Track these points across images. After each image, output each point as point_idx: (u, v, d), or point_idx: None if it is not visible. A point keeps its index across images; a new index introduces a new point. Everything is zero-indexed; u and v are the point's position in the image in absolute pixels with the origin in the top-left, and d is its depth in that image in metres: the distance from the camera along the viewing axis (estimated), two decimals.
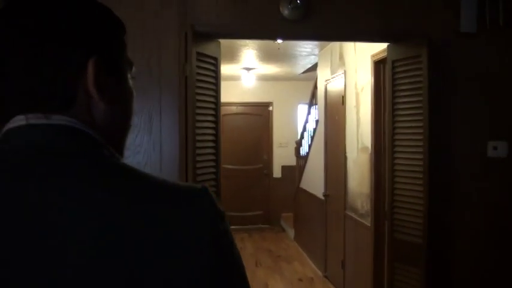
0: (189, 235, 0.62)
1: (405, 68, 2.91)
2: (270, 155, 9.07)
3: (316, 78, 6.36)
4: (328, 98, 5.55)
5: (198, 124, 2.69)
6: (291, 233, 7.76)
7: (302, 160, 7.10)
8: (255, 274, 5.86)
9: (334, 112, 5.19)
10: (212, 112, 2.85)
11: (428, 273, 2.69)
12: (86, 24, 0.67)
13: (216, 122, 2.87)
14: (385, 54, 3.59)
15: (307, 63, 7.09)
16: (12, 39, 0.64)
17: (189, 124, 2.62)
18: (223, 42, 2.98)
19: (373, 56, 3.91)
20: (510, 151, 2.83)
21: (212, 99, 2.85)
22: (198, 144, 2.69)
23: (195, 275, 0.61)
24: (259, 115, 9.06)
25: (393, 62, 2.99)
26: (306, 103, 7.72)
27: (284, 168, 8.94)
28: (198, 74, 2.71)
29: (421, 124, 2.76)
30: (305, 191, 6.64)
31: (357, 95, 4.42)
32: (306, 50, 6.14)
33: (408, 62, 2.88)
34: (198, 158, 2.69)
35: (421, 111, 2.77)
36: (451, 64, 2.85)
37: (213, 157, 2.84)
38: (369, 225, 4.02)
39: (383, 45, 3.60)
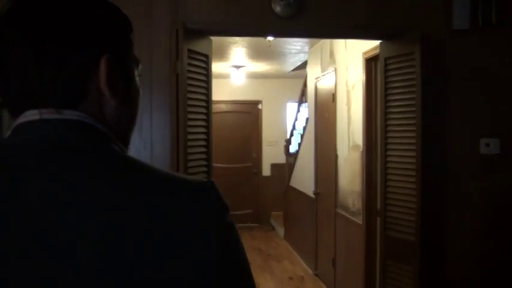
0: (195, 228, 0.62)
1: (398, 66, 2.90)
2: (259, 153, 9.04)
3: (306, 76, 6.35)
4: (318, 95, 5.53)
5: (190, 122, 2.66)
6: (281, 231, 7.75)
7: (292, 158, 7.09)
8: None
9: (325, 110, 5.18)
10: (204, 110, 2.81)
11: (421, 271, 2.69)
12: (98, 22, 0.68)
13: (208, 120, 2.83)
14: (376, 51, 3.58)
15: (296, 61, 7.07)
16: (26, 36, 0.64)
17: (180, 122, 2.58)
18: (213, 39, 2.94)
19: (364, 53, 3.89)
20: (502, 148, 2.83)
21: (203, 97, 2.82)
22: (190, 143, 2.66)
23: (201, 268, 0.61)
24: (249, 113, 9.03)
25: (386, 59, 2.98)
26: (296, 101, 7.71)
27: (273, 167, 8.92)
28: (189, 71, 2.67)
29: (413, 122, 2.76)
30: (295, 189, 6.63)
31: (348, 92, 4.40)
32: (296, 48, 6.12)
33: (401, 59, 2.87)
34: (190, 157, 2.65)
35: (413, 109, 2.76)
36: (444, 61, 2.85)
37: (204, 156, 2.81)
38: (361, 223, 4.01)
39: (374, 43, 3.59)
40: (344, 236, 4.51)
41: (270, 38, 4.83)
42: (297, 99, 7.43)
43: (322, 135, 5.29)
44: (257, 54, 6.55)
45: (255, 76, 8.54)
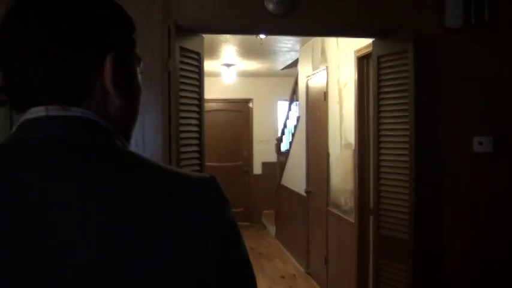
0: (196, 227, 0.63)
1: (391, 64, 2.89)
2: (250, 151, 9.02)
3: (297, 75, 6.33)
4: (310, 94, 5.52)
5: (182, 121, 2.63)
6: (272, 230, 7.74)
7: (283, 157, 7.08)
8: None
9: (316, 108, 5.17)
10: (196, 109, 2.78)
11: (415, 270, 2.68)
12: (103, 21, 0.69)
13: (200, 119, 2.80)
14: (368, 49, 3.58)
15: (287, 59, 7.06)
16: (32, 35, 0.64)
17: (172, 121, 2.55)
18: (204, 37, 2.91)
19: (356, 51, 3.89)
20: (495, 146, 2.83)
21: (196, 96, 2.78)
22: (182, 142, 2.63)
23: (201, 267, 0.62)
24: (239, 112, 9.01)
25: (378, 57, 2.97)
26: (286, 99, 7.70)
27: (264, 165, 8.90)
28: (181, 69, 2.64)
29: (406, 120, 2.75)
30: (286, 188, 6.61)
31: (340, 91, 4.39)
32: (287, 46, 6.10)
33: (394, 57, 2.86)
34: (182, 156, 2.62)
35: (406, 107, 2.75)
36: (436, 60, 2.84)
37: (197, 155, 2.78)
38: (353, 221, 4.01)
39: (366, 41, 3.58)
40: (336, 234, 4.51)
41: (262, 36, 4.81)
42: (288, 97, 7.42)
43: (314, 134, 5.27)
44: (248, 52, 6.52)
45: (245, 74, 8.51)
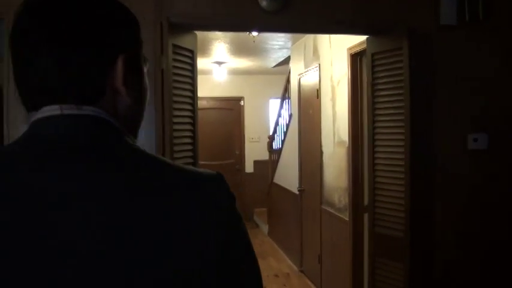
0: (199, 222, 0.64)
1: (385, 61, 2.87)
2: (242, 150, 8.99)
3: (289, 72, 6.30)
4: (302, 92, 5.50)
5: (175, 119, 2.59)
6: (265, 228, 7.72)
7: (275, 155, 7.05)
8: None
9: (309, 106, 5.15)
10: (189, 107, 2.75)
11: (411, 267, 2.67)
12: (115, 23, 0.71)
13: (194, 117, 2.77)
14: (362, 47, 3.56)
15: (279, 56, 7.03)
16: (48, 35, 0.65)
17: (166, 119, 2.51)
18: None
19: (349, 49, 3.87)
20: (490, 143, 2.83)
21: (189, 94, 2.75)
22: (176, 141, 2.59)
23: (205, 263, 0.63)
24: (231, 110, 8.97)
25: (373, 54, 2.95)
26: (278, 97, 7.67)
27: (256, 163, 8.87)
28: (174, 67, 2.60)
29: (402, 117, 2.73)
30: (279, 186, 6.59)
31: (333, 88, 4.38)
32: (279, 43, 6.07)
33: (388, 54, 2.84)
34: (176, 155, 2.58)
35: (401, 104, 2.74)
36: (431, 57, 2.83)
37: (191, 153, 2.74)
38: (347, 219, 3.99)
39: (360, 38, 3.57)
40: (330, 232, 4.49)
41: (255, 34, 4.78)
42: (280, 95, 7.38)
43: (307, 132, 5.25)
44: (239, 50, 6.48)
45: (237, 72, 8.47)
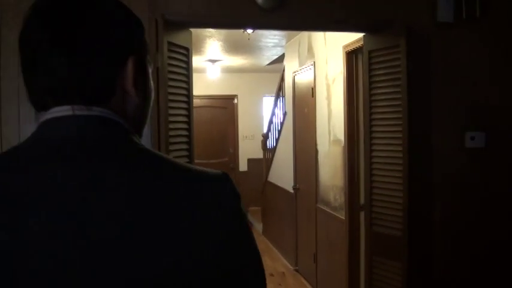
0: (207, 218, 0.65)
1: (382, 59, 2.85)
2: (235, 148, 8.96)
3: (283, 70, 6.27)
4: (297, 90, 5.47)
5: (171, 118, 2.55)
6: (259, 227, 7.69)
7: (269, 153, 7.02)
8: None
9: (303, 104, 5.12)
10: (185, 105, 2.71)
11: (410, 266, 2.66)
12: (125, 25, 0.73)
13: (189, 115, 2.73)
14: (357, 44, 3.54)
15: (273, 54, 7.00)
16: (61, 36, 0.66)
17: (161, 117, 2.47)
18: None
19: (345, 46, 3.84)
20: (487, 141, 2.82)
21: (184, 92, 2.71)
22: (171, 140, 2.55)
23: (212, 259, 0.65)
24: (224, 108, 8.93)
25: (370, 52, 2.93)
26: (271, 95, 7.64)
27: (250, 161, 8.85)
28: (170, 65, 2.56)
29: (399, 116, 2.71)
30: (273, 185, 6.56)
31: (328, 86, 4.35)
32: (273, 41, 6.04)
33: (386, 52, 2.81)
34: (172, 154, 2.54)
35: (399, 102, 2.71)
36: (429, 54, 2.81)
37: (186, 152, 2.70)
38: (343, 218, 3.97)
39: (355, 36, 3.54)
40: (325, 231, 4.47)
41: (249, 31, 4.74)
42: (273, 93, 7.35)
43: (302, 130, 5.23)
44: (233, 48, 6.45)
45: (230, 70, 8.43)
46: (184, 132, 2.70)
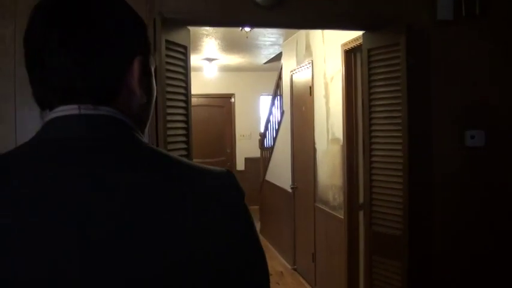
0: (211, 216, 0.65)
1: (382, 57, 2.83)
2: (233, 147, 8.93)
3: (281, 69, 6.25)
4: (295, 88, 5.45)
5: (169, 117, 2.52)
6: (257, 226, 7.64)
7: (267, 152, 7.00)
8: None
9: (301, 103, 5.10)
10: (183, 104, 2.68)
11: (410, 266, 2.64)
12: (132, 25, 0.73)
13: (187, 115, 2.70)
14: (356, 42, 3.52)
15: (270, 53, 6.98)
16: (63, 35, 0.66)
17: (159, 117, 2.44)
18: None
19: (343, 45, 3.82)
20: (487, 140, 2.80)
21: (183, 91, 2.68)
22: (169, 139, 2.52)
23: (216, 256, 0.64)
24: (221, 107, 8.90)
25: (369, 50, 2.91)
26: (269, 94, 7.61)
27: (247, 161, 8.82)
28: (168, 63, 2.53)
29: (399, 114, 2.70)
30: (271, 184, 6.54)
31: (326, 85, 4.33)
32: (270, 40, 6.02)
33: (385, 50, 2.80)
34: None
35: (399, 101, 2.69)
36: (428, 52, 2.79)
37: (184, 152, 2.68)
38: (342, 217, 3.95)
39: (354, 34, 3.53)
40: (324, 230, 4.46)
41: (247, 29, 4.72)
42: (271, 92, 7.32)
43: (299, 129, 5.21)
44: (230, 46, 6.42)
45: (227, 69, 8.41)
46: (183, 132, 2.67)
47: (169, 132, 2.52)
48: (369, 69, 2.91)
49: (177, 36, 2.62)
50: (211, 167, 0.73)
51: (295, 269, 5.47)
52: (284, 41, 5.94)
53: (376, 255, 2.89)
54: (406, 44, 2.64)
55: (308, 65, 4.82)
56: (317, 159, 4.61)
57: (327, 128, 4.31)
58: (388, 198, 2.80)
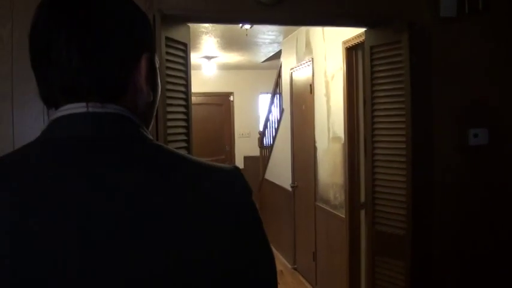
0: (218, 212, 0.65)
1: (384, 54, 2.79)
2: (232, 146, 8.90)
3: (280, 67, 6.21)
4: (295, 86, 5.41)
5: (169, 116, 2.49)
6: None
7: (266, 151, 6.96)
8: None
9: (301, 101, 5.07)
10: (183, 103, 2.65)
11: (413, 266, 2.61)
12: (138, 23, 0.73)
13: (188, 113, 2.67)
14: (357, 40, 3.49)
15: (269, 51, 6.94)
16: (71, 33, 0.65)
17: (159, 116, 2.41)
18: None
19: (344, 42, 3.79)
20: (490, 138, 2.77)
21: (183, 89, 2.65)
22: (170, 138, 2.49)
23: (223, 254, 0.64)
24: (220, 105, 8.86)
25: (371, 47, 2.87)
26: (268, 92, 7.58)
27: (246, 159, 8.79)
28: (168, 61, 2.49)
29: (402, 112, 2.66)
30: (271, 182, 6.51)
31: (327, 83, 4.30)
32: (270, 38, 5.98)
33: (388, 47, 2.76)
34: None
35: (401, 99, 2.66)
36: (431, 49, 2.76)
37: (185, 151, 2.64)
38: (343, 216, 3.92)
39: (355, 32, 3.49)
40: (325, 229, 4.43)
41: (247, 26, 4.68)
42: (270, 90, 7.28)
43: (300, 127, 5.17)
44: (229, 44, 6.38)
45: (226, 67, 8.36)
46: (183, 130, 2.64)
47: (170, 130, 2.48)
48: (372, 66, 2.87)
49: (176, 33, 2.58)
50: (219, 164, 0.72)
51: (295, 268, 5.44)
52: (284, 38, 5.90)
53: (379, 254, 2.86)
54: (408, 42, 2.60)
55: (308, 63, 4.78)
56: (318, 157, 4.57)
57: (328, 126, 4.28)
58: (391, 197, 2.76)
